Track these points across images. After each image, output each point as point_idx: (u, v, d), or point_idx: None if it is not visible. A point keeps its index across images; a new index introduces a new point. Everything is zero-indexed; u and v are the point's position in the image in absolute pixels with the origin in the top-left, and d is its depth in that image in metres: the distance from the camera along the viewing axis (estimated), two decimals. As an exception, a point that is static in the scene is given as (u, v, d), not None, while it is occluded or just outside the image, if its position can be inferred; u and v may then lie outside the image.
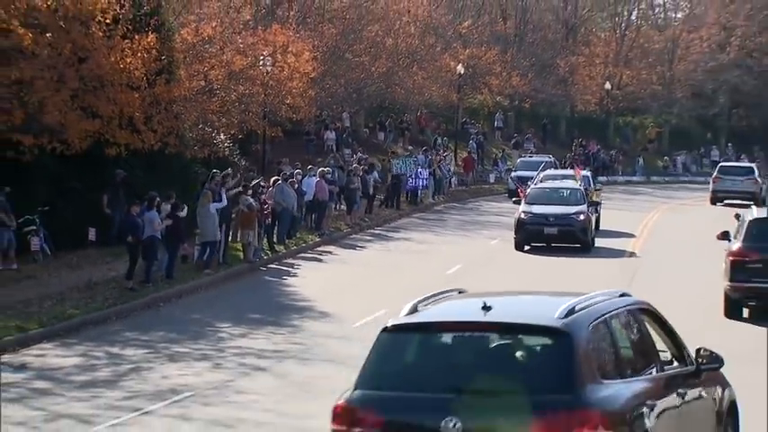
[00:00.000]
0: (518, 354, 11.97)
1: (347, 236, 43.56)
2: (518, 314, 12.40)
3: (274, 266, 35.79)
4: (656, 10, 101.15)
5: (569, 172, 51.31)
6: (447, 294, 12.88)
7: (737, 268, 25.82)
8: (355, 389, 11.96)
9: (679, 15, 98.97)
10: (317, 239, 40.96)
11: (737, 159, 77.96)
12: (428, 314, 12.11)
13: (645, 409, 11.08)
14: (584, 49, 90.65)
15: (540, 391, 11.15)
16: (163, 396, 19.03)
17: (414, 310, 11.97)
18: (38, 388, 20.08)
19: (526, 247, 38.69)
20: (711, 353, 12.91)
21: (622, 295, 13.03)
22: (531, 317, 12.02)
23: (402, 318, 11.93)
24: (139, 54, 32.41)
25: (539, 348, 11.67)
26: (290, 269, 35.59)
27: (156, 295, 29.28)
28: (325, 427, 16.76)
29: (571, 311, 11.50)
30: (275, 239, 37.75)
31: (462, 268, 34.07)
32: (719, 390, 13.06)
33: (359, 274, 35.30)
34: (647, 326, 12.70)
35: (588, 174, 51.58)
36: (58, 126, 30.62)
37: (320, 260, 37.88)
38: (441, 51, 72.34)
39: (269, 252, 36.83)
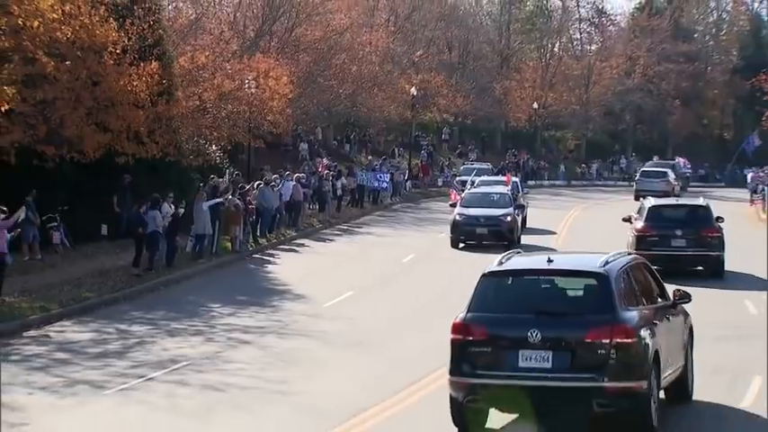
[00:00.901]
0: (575, 289, 15.87)
1: (319, 231, 43.36)
2: (572, 264, 16.46)
3: (257, 256, 35.59)
4: (575, 43, 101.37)
5: (502, 178, 50.11)
6: (515, 253, 16.67)
7: (641, 240, 29.55)
8: (467, 312, 15.02)
9: (593, 47, 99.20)
10: (294, 234, 40.75)
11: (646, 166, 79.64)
12: (511, 264, 15.68)
13: (650, 326, 14.78)
14: (516, 75, 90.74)
15: (590, 313, 15.05)
16: (163, 365, 18.96)
17: (500, 263, 15.52)
18: (58, 358, 20.00)
19: (461, 245, 36.86)
20: (684, 293, 16.98)
21: (629, 254, 18.22)
22: (582, 266, 15.99)
23: (495, 266, 15.44)
24: (144, 78, 32.35)
25: (588, 285, 15.22)
26: (270, 258, 35.38)
27: (157, 281, 29.13)
28: (301, 389, 16.83)
29: (606, 262, 15.31)
30: (258, 234, 37.63)
31: (415, 257, 34.07)
32: (685, 316, 17.01)
33: (329, 262, 35.10)
34: (646, 273, 16.58)
35: (517, 180, 50.56)
36: (76, 139, 30.54)
37: (296, 251, 37.69)
38: (397, 76, 72.35)
39: (253, 244, 36.68)
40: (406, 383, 17.05)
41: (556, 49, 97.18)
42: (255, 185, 38.89)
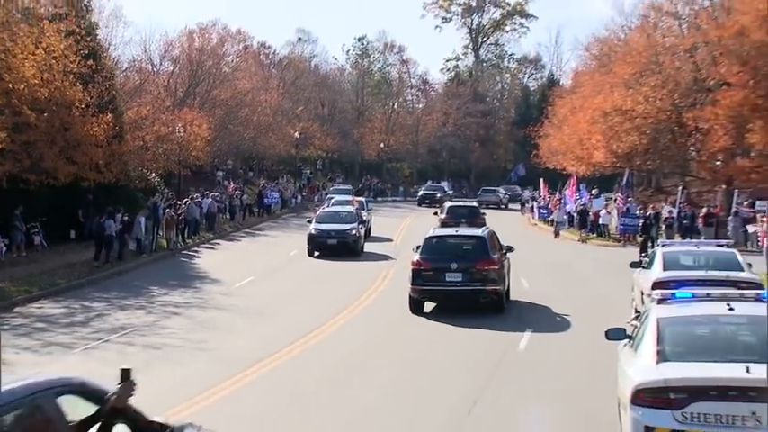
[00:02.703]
0: (470, 244, 21.09)
1: (229, 233, 42.86)
2: (468, 232, 23.01)
3: (185, 252, 35.07)
4: (408, 102, 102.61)
5: (352, 198, 47.42)
6: (438, 231, 23.75)
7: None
8: (419, 255, 20.59)
9: (420, 106, 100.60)
10: (211, 236, 40.21)
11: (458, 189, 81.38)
12: (437, 232, 22.86)
13: (502, 261, 21.12)
14: (368, 123, 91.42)
15: (478, 254, 20.43)
16: (116, 331, 18.61)
17: (433, 232, 22.28)
18: (38, 327, 19.49)
19: (316, 253, 32.97)
20: (508, 247, 22.64)
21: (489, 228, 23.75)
22: (472, 232, 22.58)
23: (431, 234, 21.89)
24: (102, 126, 31.94)
25: (476, 242, 20.99)
26: (194, 254, 34.91)
27: (112, 270, 28.57)
28: (217, 346, 16.77)
29: (484, 231, 22.60)
30: (186, 236, 37.13)
31: (298, 252, 33.81)
32: (508, 258, 22.15)
33: (236, 255, 34.74)
34: (496, 236, 22.42)
35: (363, 199, 47.37)
36: (51, 169, 29.90)
37: (213, 248, 37.21)
38: (285, 124, 72.37)
39: (182, 243, 36.09)
40: (291, 341, 17.12)
41: (395, 107, 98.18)
42: (184, 202, 38.66)
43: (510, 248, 22.48)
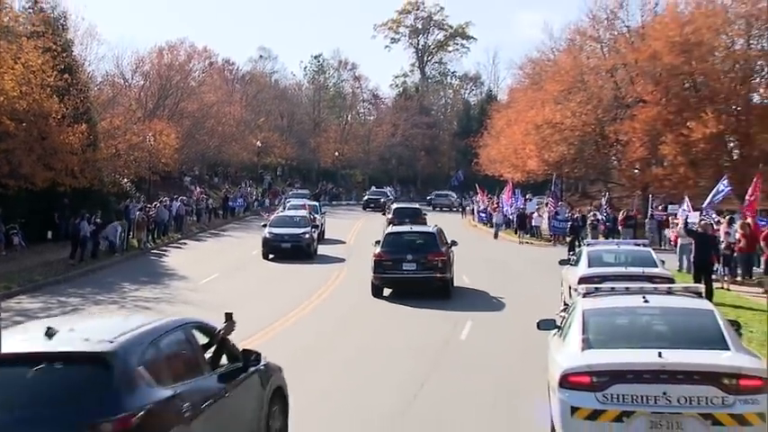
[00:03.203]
0: (422, 238, 22.68)
1: (196, 234, 42.45)
2: (420, 228, 25.13)
3: (155, 251, 34.61)
4: (360, 115, 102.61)
5: (305, 203, 44.44)
6: (396, 225, 26.62)
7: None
8: (381, 248, 22.02)
9: (372, 118, 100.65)
10: (179, 236, 39.76)
11: (407, 195, 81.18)
12: (395, 229, 24.10)
13: (449, 251, 22.79)
14: (324, 134, 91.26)
15: (429, 247, 22.07)
16: (91, 324, 18.27)
17: (392, 228, 24.48)
18: (17, 320, 18.82)
19: (270, 256, 31.06)
20: (453, 241, 23.79)
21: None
22: (424, 228, 24.41)
23: (390, 230, 23.66)
24: (77, 135, 31.63)
25: (428, 237, 22.59)
26: (163, 253, 34.47)
27: (86, 268, 28.11)
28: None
29: (434, 228, 23.94)
30: (156, 236, 36.64)
31: (259, 251, 33.07)
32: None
33: (202, 254, 34.30)
34: (444, 233, 23.92)
35: (316, 204, 45.26)
36: (30, 175, 29.49)
37: (180, 248, 36.75)
38: (248, 134, 71.94)
39: (152, 243, 35.61)
40: (253, 332, 16.94)
41: (349, 119, 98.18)
42: (154, 205, 38.22)
43: (454, 243, 23.90)
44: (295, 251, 31.19)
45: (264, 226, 33.12)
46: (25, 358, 6.56)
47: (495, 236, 43.55)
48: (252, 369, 8.41)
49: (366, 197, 68.74)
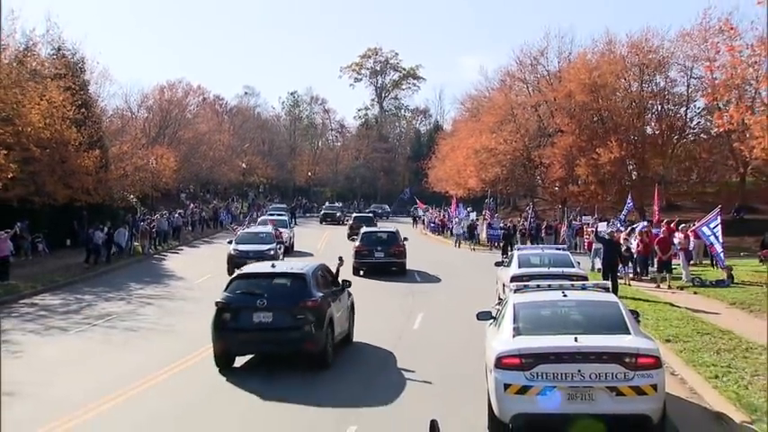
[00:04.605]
0: (386, 235, 25.74)
1: (191, 242, 42.02)
2: (387, 229, 25.31)
3: (157, 257, 34.20)
4: (329, 141, 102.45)
5: (270, 219, 38.86)
6: (369, 228, 25.64)
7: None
8: (359, 242, 25.04)
9: (339, 144, 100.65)
10: (177, 243, 39.32)
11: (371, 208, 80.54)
12: (370, 229, 23.67)
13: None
14: (299, 157, 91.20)
15: (392, 242, 25.51)
16: (102, 317, 18.12)
17: (366, 228, 25.91)
18: (40, 314, 18.85)
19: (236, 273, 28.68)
20: (406, 238, 25.94)
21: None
22: (390, 228, 24.52)
23: (366, 229, 25.20)
24: (91, 159, 31.35)
25: (391, 234, 24.13)
26: (163, 258, 34.08)
27: (99, 270, 27.77)
28: (182, 329, 16.46)
29: (393, 229, 26.72)
30: (157, 244, 36.24)
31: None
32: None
33: (196, 258, 33.88)
34: (402, 237, 25.65)
35: (285, 219, 39.92)
36: (52, 193, 29.29)
37: (178, 253, 36.34)
38: (234, 158, 71.51)
39: (154, 249, 35.23)
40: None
41: (319, 144, 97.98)
42: (155, 217, 37.91)
43: (406, 239, 27.73)
44: None
45: (230, 243, 28.26)
46: (263, 275, 12.65)
47: (457, 244, 40.72)
48: (346, 289, 14.03)
49: (323, 212, 62.88)
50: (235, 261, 25.36)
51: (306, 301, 11.72)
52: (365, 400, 10.47)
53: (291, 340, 11.55)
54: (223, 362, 12.19)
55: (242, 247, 27.08)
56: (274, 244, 28.20)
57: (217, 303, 12.15)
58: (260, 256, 25.10)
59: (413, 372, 12.05)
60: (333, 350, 12.31)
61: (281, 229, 33.21)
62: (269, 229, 30.88)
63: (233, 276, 12.77)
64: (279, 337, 11.62)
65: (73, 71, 33.64)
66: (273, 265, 13.12)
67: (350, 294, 14.32)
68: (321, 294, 12.15)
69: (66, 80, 30.77)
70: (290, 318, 11.59)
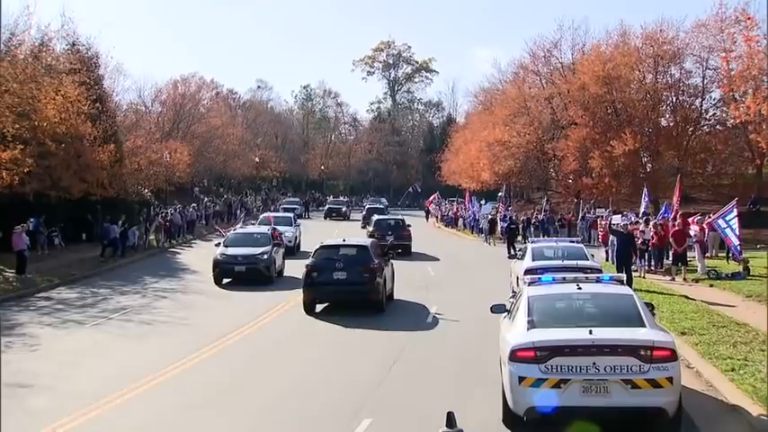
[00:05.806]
0: (395, 222, 29.89)
1: (204, 236, 41.86)
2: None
3: (171, 251, 34.32)
4: (342, 135, 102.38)
5: (269, 215, 35.79)
6: (380, 216, 30.69)
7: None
8: (372, 228, 29.41)
9: (352, 138, 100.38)
10: (191, 237, 39.42)
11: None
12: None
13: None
14: (312, 151, 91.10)
15: (401, 228, 30.19)
16: (118, 310, 18.20)
17: (378, 216, 31.05)
18: (57, 308, 18.98)
19: (225, 281, 22.34)
20: (409, 225, 28.97)
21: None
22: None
23: (378, 217, 29.46)
24: (106, 153, 31.34)
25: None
26: (178, 252, 34.16)
27: (114, 264, 27.90)
28: (196, 322, 16.54)
29: (400, 217, 32.06)
30: (171, 237, 36.27)
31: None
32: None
33: (210, 252, 33.05)
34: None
35: (291, 216, 35.78)
36: (68, 187, 29.18)
37: (192, 247, 36.41)
38: (248, 152, 71.64)
39: (168, 243, 35.31)
40: (252, 319, 16.95)
41: (332, 138, 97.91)
42: (170, 211, 37.97)
43: (409, 225, 32.26)
44: (251, 274, 22.14)
45: (218, 245, 23.89)
46: (339, 246, 17.75)
47: (489, 241, 37.96)
48: (389, 259, 18.45)
49: (327, 206, 60.11)
50: (221, 267, 22.24)
51: (369, 265, 16.67)
52: (388, 378, 10.53)
53: (359, 291, 16.55)
54: (309, 307, 17.04)
55: (230, 251, 22.77)
56: (269, 246, 23.25)
57: (306, 266, 17.20)
58: (251, 262, 22.24)
59: (432, 359, 11.95)
60: (386, 300, 17.20)
61: (283, 228, 29.44)
62: (265, 229, 26.23)
63: (317, 247, 17.80)
64: (351, 290, 16.62)
65: (87, 66, 33.74)
66: (344, 240, 18.73)
67: (392, 264, 18.64)
68: (378, 261, 17.06)
69: (80, 75, 30.79)
70: (358, 276, 16.52)
